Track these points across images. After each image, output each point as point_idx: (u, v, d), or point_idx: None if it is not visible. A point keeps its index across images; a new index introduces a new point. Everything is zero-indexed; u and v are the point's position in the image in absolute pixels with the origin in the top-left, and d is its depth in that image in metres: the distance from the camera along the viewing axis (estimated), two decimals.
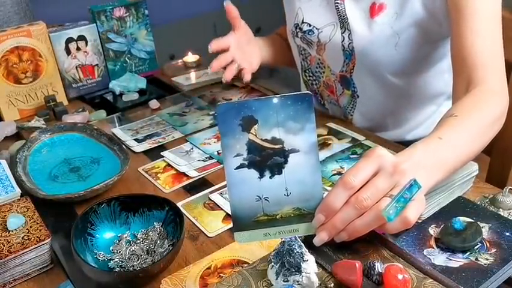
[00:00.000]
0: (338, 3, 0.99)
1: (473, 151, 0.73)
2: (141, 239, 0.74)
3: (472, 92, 0.79)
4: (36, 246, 0.70)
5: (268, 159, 0.60)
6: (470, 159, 0.74)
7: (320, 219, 0.61)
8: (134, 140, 1.07)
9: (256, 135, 0.60)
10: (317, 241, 0.61)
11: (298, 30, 1.06)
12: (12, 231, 0.73)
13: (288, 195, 0.61)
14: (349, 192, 0.59)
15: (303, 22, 1.05)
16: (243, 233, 0.62)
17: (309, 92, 0.60)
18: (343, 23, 0.98)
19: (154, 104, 1.23)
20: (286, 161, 0.61)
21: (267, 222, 0.62)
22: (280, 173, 0.61)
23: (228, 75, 1.04)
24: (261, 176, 0.61)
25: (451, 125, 0.72)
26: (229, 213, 0.79)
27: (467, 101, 0.78)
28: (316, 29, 1.03)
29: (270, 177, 0.61)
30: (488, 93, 0.79)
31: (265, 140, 0.60)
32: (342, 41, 0.99)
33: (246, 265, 0.65)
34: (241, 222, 0.62)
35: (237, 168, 0.60)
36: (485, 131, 0.75)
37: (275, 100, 0.59)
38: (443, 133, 0.70)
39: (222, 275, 0.66)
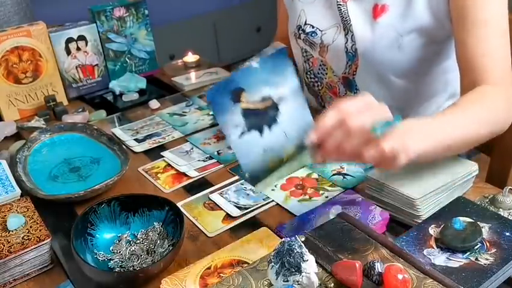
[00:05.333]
0: (340, 4, 0.98)
1: (470, 133, 0.74)
2: (141, 239, 0.74)
3: (477, 88, 0.80)
4: (36, 246, 0.70)
5: (263, 117, 0.66)
6: (467, 142, 0.74)
7: (312, 137, 0.64)
8: (134, 140, 1.07)
9: (247, 102, 0.65)
10: (313, 161, 0.67)
11: (301, 31, 1.05)
12: (12, 231, 0.73)
13: (287, 137, 0.68)
14: (340, 114, 0.62)
15: (306, 24, 1.04)
16: (260, 184, 0.68)
17: (282, 45, 0.66)
18: (345, 24, 0.98)
19: (154, 104, 1.23)
20: (278, 111, 0.67)
21: (276, 167, 0.68)
22: (276, 122, 0.67)
23: None
24: (262, 132, 0.66)
25: (447, 109, 0.75)
26: (230, 213, 0.80)
27: (470, 94, 0.79)
28: (320, 30, 1.02)
29: (269, 130, 0.66)
30: (494, 90, 0.79)
31: (256, 102, 0.65)
32: (346, 43, 0.99)
33: (246, 265, 0.65)
34: (256, 176, 0.67)
35: (240, 136, 0.65)
36: (485, 120, 0.76)
37: (255, 64, 0.64)
38: (438, 114, 0.74)
39: (222, 275, 0.66)
